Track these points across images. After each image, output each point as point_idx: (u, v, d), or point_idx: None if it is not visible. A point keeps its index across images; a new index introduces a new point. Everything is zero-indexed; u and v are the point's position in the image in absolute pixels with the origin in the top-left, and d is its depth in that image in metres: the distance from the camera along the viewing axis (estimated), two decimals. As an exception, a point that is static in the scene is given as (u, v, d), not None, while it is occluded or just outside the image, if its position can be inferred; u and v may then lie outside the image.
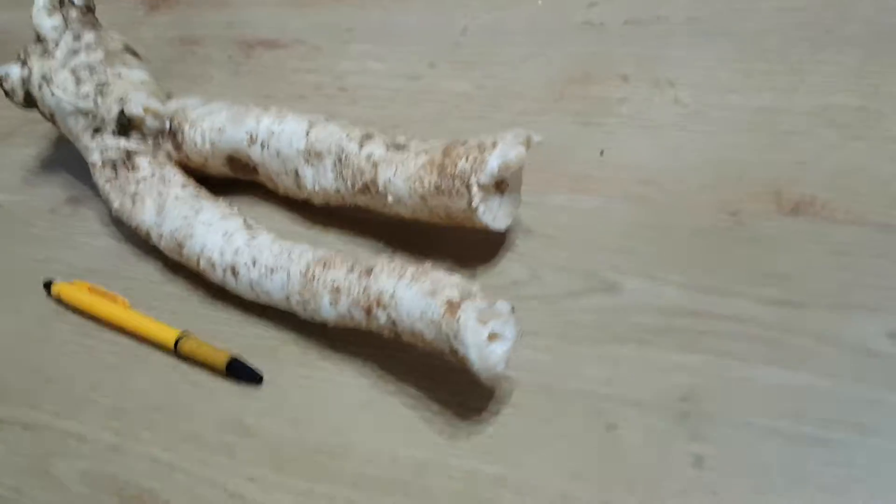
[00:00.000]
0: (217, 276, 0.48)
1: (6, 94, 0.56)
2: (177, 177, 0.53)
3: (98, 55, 0.55)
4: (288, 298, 0.45)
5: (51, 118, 0.56)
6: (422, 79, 0.59)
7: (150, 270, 0.54)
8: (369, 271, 0.41)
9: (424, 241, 0.49)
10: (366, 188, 0.46)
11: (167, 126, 0.53)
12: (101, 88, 0.53)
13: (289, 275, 0.44)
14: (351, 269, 0.42)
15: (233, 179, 0.55)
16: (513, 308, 0.38)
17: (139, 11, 0.75)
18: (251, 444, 0.44)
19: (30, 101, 0.56)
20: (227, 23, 0.70)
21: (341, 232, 0.52)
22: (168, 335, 0.48)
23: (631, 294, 0.43)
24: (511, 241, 0.48)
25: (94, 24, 0.57)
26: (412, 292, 0.39)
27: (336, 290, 0.42)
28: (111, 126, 0.53)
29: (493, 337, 0.38)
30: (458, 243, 0.48)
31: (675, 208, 0.46)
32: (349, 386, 0.44)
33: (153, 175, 0.52)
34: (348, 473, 0.41)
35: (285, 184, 0.51)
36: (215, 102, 0.54)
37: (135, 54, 0.57)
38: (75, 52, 0.55)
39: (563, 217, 0.48)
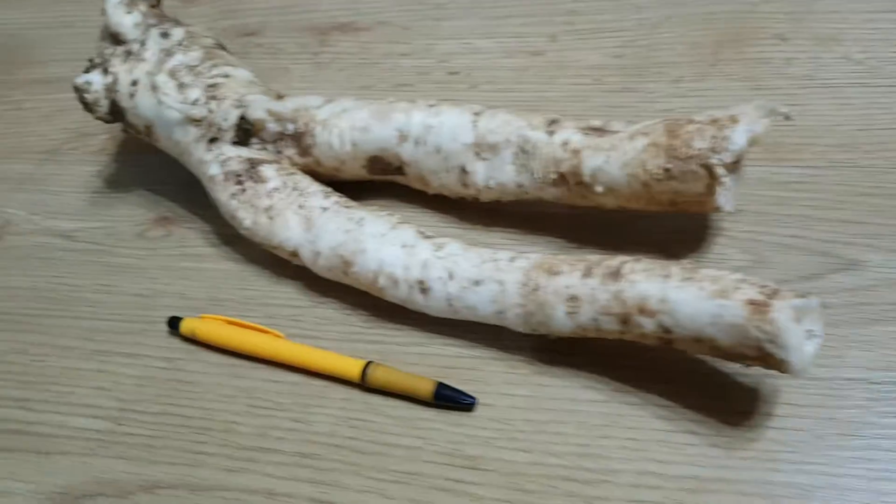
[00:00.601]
0: (399, 294, 0.43)
1: (86, 106, 0.48)
2: (313, 186, 0.47)
3: (196, 54, 0.48)
4: (501, 312, 0.40)
5: (144, 131, 0.49)
6: (544, 54, 0.54)
7: (289, 294, 0.48)
8: (615, 275, 0.37)
9: (611, 233, 0.45)
10: (561, 179, 0.42)
11: (289, 129, 0.47)
12: (212, 92, 0.47)
13: (502, 286, 0.40)
14: (587, 274, 0.38)
15: (361, 182, 0.49)
16: (821, 303, 0.35)
17: (172, 2, 0.67)
18: (485, 477, 0.39)
19: (116, 113, 0.49)
20: (280, 8, 0.63)
21: (508, 230, 0.47)
22: (350, 365, 0.43)
23: (877, 270, 0.41)
24: (715, 222, 0.45)
25: (174, 19, 0.50)
26: (689, 295, 0.35)
27: (573, 299, 0.38)
28: (229, 134, 0.47)
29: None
30: (654, 231, 0.45)
31: (889, 172, 0.44)
32: (582, 401, 0.40)
33: (285, 185, 0.46)
34: (619, 502, 0.37)
35: (444, 182, 0.46)
36: (342, 100, 0.48)
37: (226, 50, 0.50)
38: (169, 52, 0.48)
39: (768, 191, 0.45)
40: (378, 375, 0.42)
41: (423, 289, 0.42)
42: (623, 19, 0.55)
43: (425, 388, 0.41)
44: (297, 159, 0.48)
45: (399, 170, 0.47)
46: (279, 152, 0.48)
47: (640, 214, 0.44)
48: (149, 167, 0.56)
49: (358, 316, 0.46)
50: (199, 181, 0.50)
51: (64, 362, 0.48)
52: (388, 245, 0.43)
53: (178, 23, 0.49)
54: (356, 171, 0.48)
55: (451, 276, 0.41)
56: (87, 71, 0.49)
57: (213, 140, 0.47)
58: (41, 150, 0.59)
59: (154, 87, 0.46)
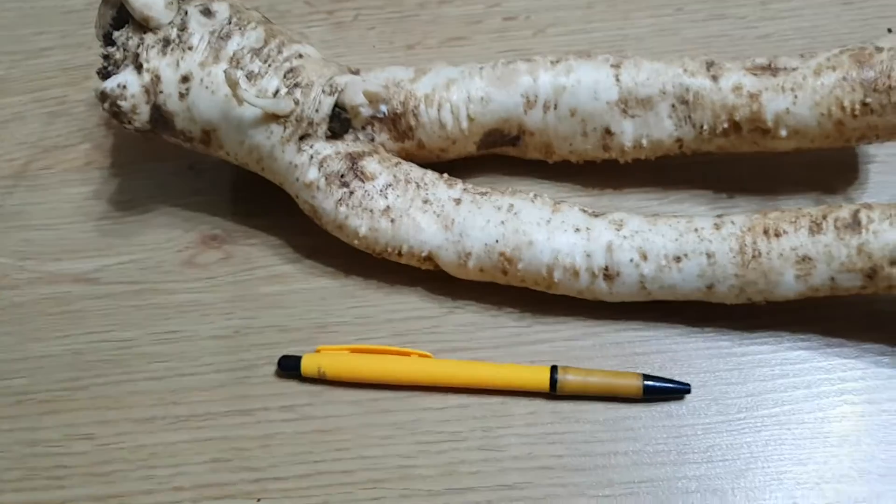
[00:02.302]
0: (578, 285, 0.38)
1: (119, 116, 0.38)
2: (427, 174, 0.40)
3: (256, 33, 0.39)
4: (711, 286, 0.37)
5: (199, 138, 0.39)
6: (608, -15, 0.50)
7: (412, 304, 0.42)
8: (852, 226, 0.35)
9: (761, 176, 0.43)
10: (734, 128, 0.39)
11: (382, 111, 0.40)
12: (293, 79, 0.38)
13: (711, 258, 0.36)
14: (816, 229, 0.35)
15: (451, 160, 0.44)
16: None
17: None
18: (726, 468, 0.36)
19: (159, 121, 0.39)
20: None
21: (643, 190, 0.43)
22: (533, 374, 0.38)
23: None
24: (866, 153, 0.43)
25: (201, -11, 0.41)
26: (950, 236, 0.33)
27: (804, 260, 0.35)
28: (322, 128, 0.39)
29: None
30: (803, 167, 0.43)
31: None
32: (793, 362, 0.38)
33: (397, 179, 0.39)
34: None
35: (577, 147, 0.41)
36: (438, 67, 0.41)
37: (269, 19, 0.42)
38: (222, 34, 0.38)
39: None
40: (571, 380, 0.38)
41: (609, 275, 0.37)
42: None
43: (631, 383, 0.38)
44: (392, 145, 0.42)
45: (514, 140, 0.42)
46: (372, 140, 0.41)
47: (764, 155, 0.42)
48: (165, 177, 0.46)
49: (508, 315, 0.41)
50: (257, 187, 0.43)
51: (149, 438, 0.39)
52: (558, 232, 0.38)
53: (211, -5, 0.40)
54: (466, 148, 0.42)
55: (644, 257, 0.37)
56: (106, 71, 0.39)
57: (303, 137, 0.39)
58: (1, 176, 0.47)
59: (217, 82, 0.37)
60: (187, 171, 0.46)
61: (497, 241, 0.38)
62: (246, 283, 0.43)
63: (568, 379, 0.38)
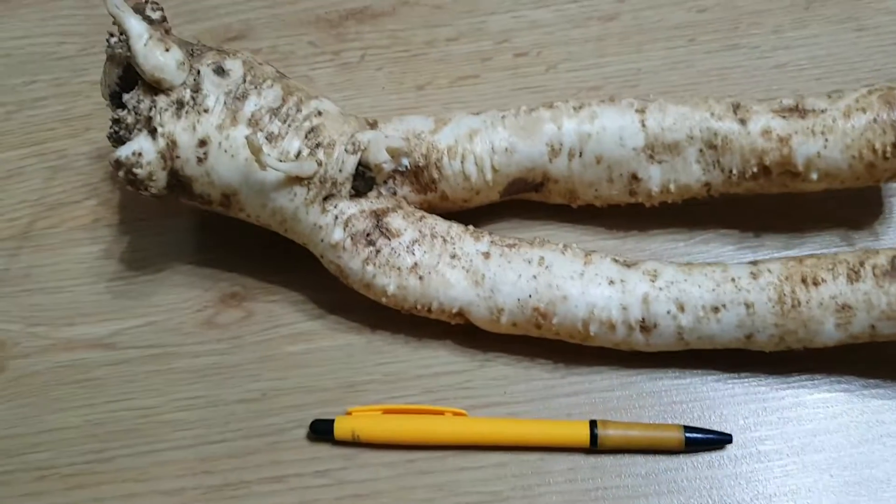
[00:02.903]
0: (614, 338, 0.38)
1: (135, 184, 0.37)
2: (453, 227, 0.40)
3: (273, 91, 0.38)
4: (750, 336, 0.37)
5: (218, 201, 0.38)
6: (618, 17, 0.49)
7: (442, 358, 0.41)
8: (890, 273, 0.35)
9: (788, 215, 0.43)
10: (763, 171, 0.38)
11: (403, 165, 0.40)
12: (315, 139, 0.38)
13: (750, 308, 0.36)
14: (855, 277, 0.35)
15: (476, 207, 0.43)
16: None
17: (101, 8, 0.52)
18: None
19: (177, 186, 0.38)
20: (248, 0, 0.53)
21: (669, 231, 0.43)
22: (573, 429, 0.38)
23: None
24: (890, 186, 0.43)
25: (209, 46, 0.40)
26: None
27: (844, 309, 0.35)
28: (346, 187, 0.38)
29: None
30: (830, 205, 0.42)
31: None
32: (864, 411, 0.38)
33: (422, 234, 0.39)
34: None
35: (603, 193, 0.41)
36: (458, 117, 0.41)
37: (283, 75, 0.41)
38: (241, 95, 0.37)
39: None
40: (612, 434, 0.38)
41: (646, 327, 0.37)
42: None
43: (673, 436, 0.37)
44: (414, 197, 0.41)
45: (537, 187, 0.41)
46: (394, 194, 0.40)
47: (790, 195, 0.42)
48: (178, 233, 0.45)
49: (540, 367, 0.41)
50: (282, 247, 0.42)
51: (181, 510, 0.39)
52: (592, 285, 0.37)
53: (220, 51, 0.39)
54: (489, 197, 0.41)
55: (681, 308, 0.37)
56: (118, 135, 0.38)
57: (327, 198, 0.38)
58: (3, 237, 0.46)
59: (237, 146, 0.37)
60: (202, 226, 0.45)
61: (530, 296, 0.38)
62: (270, 342, 0.42)
63: (609, 434, 0.38)
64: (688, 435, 0.37)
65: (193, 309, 0.43)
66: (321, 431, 0.39)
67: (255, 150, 0.35)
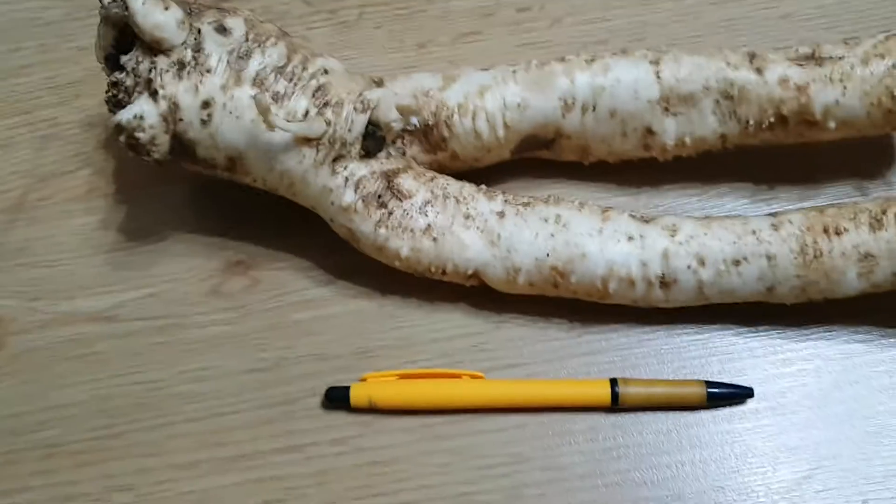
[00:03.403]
0: (633, 294, 0.37)
1: (137, 148, 0.36)
2: (465, 186, 0.39)
3: (277, 49, 0.37)
4: (771, 288, 0.36)
5: (223, 165, 0.37)
6: (622, -31, 0.48)
7: (456, 321, 0.40)
8: (914, 220, 0.34)
9: (802, 165, 0.42)
10: (780, 121, 0.38)
11: (412, 124, 0.39)
12: (322, 97, 0.36)
13: (772, 260, 0.36)
14: (878, 225, 0.35)
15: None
16: None
17: None
18: (793, 468, 0.37)
19: (178, 150, 0.37)
20: None
21: (683, 185, 0.42)
22: (593, 388, 0.37)
23: None
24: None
25: (209, 4, 0.38)
26: None
27: (867, 258, 0.35)
28: (356, 147, 0.37)
29: None
30: (842, 154, 0.42)
31: None
32: (860, 355, 0.38)
33: (434, 195, 0.38)
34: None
35: (616, 148, 0.40)
36: (467, 73, 0.39)
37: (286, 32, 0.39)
38: (241, 53, 0.36)
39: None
40: (633, 392, 0.37)
41: (666, 283, 0.37)
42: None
43: (694, 391, 0.37)
44: (423, 157, 0.40)
45: (549, 143, 0.41)
46: (403, 154, 0.39)
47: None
48: (177, 201, 0.44)
49: (557, 327, 0.40)
50: (283, 211, 0.41)
51: (195, 484, 0.38)
52: (611, 242, 0.37)
53: (219, 9, 0.38)
54: (501, 156, 0.41)
55: (701, 263, 0.36)
56: (117, 99, 0.36)
57: (336, 159, 0.37)
58: (-4, 209, 0.45)
59: (242, 107, 0.35)
60: (201, 193, 0.44)
61: (548, 255, 0.37)
62: (278, 310, 0.41)
63: (630, 391, 0.37)
64: (709, 390, 0.37)
65: (197, 278, 0.42)
66: (336, 399, 0.38)
67: (264, 110, 0.34)
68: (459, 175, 0.41)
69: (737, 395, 0.37)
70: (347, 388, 0.38)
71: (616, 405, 0.37)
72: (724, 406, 0.38)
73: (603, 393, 0.37)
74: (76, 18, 0.49)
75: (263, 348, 0.41)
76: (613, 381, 0.37)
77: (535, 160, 0.43)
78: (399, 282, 0.41)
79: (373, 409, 0.38)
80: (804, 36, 0.46)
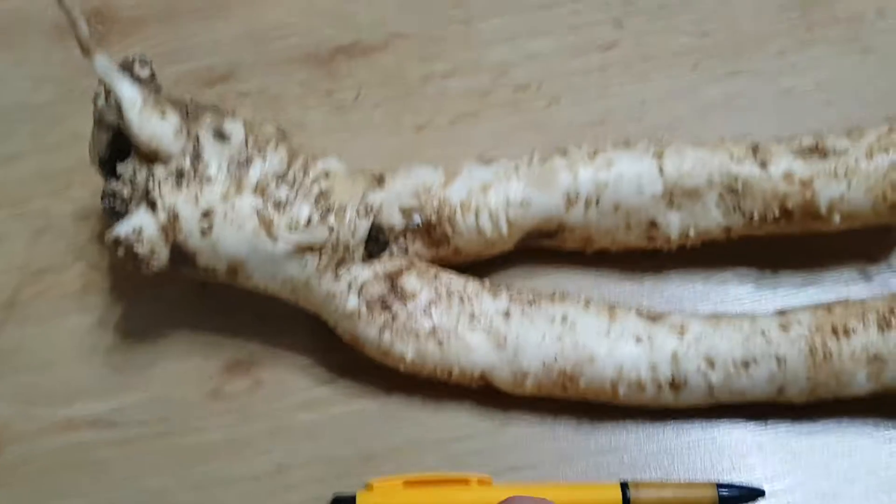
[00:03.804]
0: (643, 397, 0.37)
1: (136, 262, 0.35)
2: (469, 283, 0.38)
3: (278, 155, 0.36)
4: (781, 389, 0.36)
5: (225, 273, 0.37)
6: (617, 45, 0.48)
7: (460, 421, 0.40)
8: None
9: (806, 251, 0.42)
10: (785, 214, 0.38)
11: (415, 222, 0.38)
12: (325, 203, 0.36)
13: (781, 362, 0.35)
14: (886, 325, 0.35)
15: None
16: None
17: (76, 50, 0.49)
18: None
19: (179, 260, 0.36)
20: (247, 36, 0.49)
21: (686, 271, 0.42)
22: (604, 493, 0.37)
23: None
24: None
25: (205, 105, 0.38)
26: None
27: (876, 359, 0.35)
28: (359, 251, 0.37)
29: None
30: (846, 241, 0.41)
31: None
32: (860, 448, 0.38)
33: (438, 294, 0.38)
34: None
35: (621, 239, 0.40)
36: (469, 168, 0.39)
37: (284, 131, 0.39)
38: (245, 161, 0.36)
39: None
40: (645, 495, 0.37)
41: (676, 385, 0.36)
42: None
43: (706, 494, 0.37)
44: (425, 252, 0.40)
45: (552, 234, 0.40)
46: (405, 251, 0.39)
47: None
48: (175, 299, 0.43)
49: (564, 425, 0.40)
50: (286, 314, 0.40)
51: None
52: (619, 344, 0.37)
53: (216, 110, 0.37)
54: (504, 249, 0.40)
55: (711, 365, 0.36)
56: (113, 209, 0.36)
57: (339, 263, 0.36)
58: (-12, 307, 0.44)
59: (243, 216, 0.35)
60: (199, 292, 0.43)
61: (556, 358, 0.37)
62: (281, 412, 0.40)
63: (641, 495, 0.37)
64: (721, 492, 0.37)
65: (198, 380, 0.41)
66: None
67: (267, 225, 0.34)
68: (462, 267, 0.41)
69: (748, 496, 0.37)
70: (353, 496, 0.38)
71: (628, 507, 0.37)
72: (737, 506, 0.38)
73: (614, 497, 0.37)
74: (68, 101, 0.48)
75: (267, 452, 0.40)
76: (624, 485, 0.37)
77: (536, 248, 0.43)
78: (402, 380, 0.40)
79: (353, 507, 0.38)
80: (804, 113, 0.45)
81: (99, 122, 0.38)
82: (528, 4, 0.49)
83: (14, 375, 0.42)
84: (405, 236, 0.39)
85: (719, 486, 0.37)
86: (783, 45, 0.47)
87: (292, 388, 0.41)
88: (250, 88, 0.48)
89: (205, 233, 0.36)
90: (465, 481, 0.38)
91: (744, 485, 0.37)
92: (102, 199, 0.37)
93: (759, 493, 0.37)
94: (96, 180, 0.45)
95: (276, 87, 0.48)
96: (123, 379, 0.42)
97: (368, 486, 0.38)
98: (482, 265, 0.42)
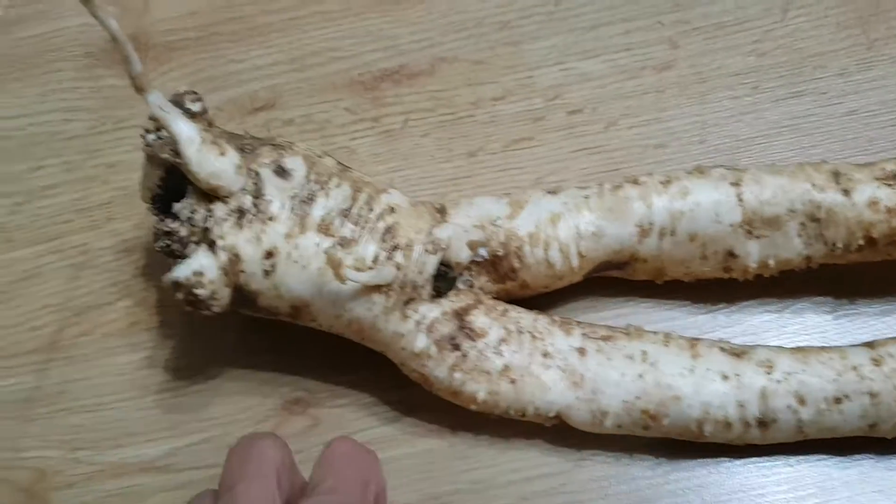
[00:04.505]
0: (730, 435, 0.35)
1: (195, 305, 0.34)
2: (539, 320, 0.37)
3: (342, 190, 0.35)
4: (874, 425, 0.35)
5: (288, 313, 0.35)
6: (674, 66, 0.46)
7: (534, 460, 0.38)
8: None
9: (876, 276, 0.40)
10: (870, 243, 0.36)
11: (481, 255, 0.37)
12: (391, 240, 0.34)
13: (875, 398, 0.34)
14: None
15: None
16: None
17: (115, 81, 0.48)
18: None
19: (240, 301, 0.35)
20: (289, 63, 0.47)
21: (760, 300, 0.41)
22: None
23: None
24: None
25: (261, 139, 0.36)
26: None
27: (977, 391, 0.33)
28: (426, 289, 0.35)
29: None
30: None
31: None
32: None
33: (509, 332, 0.36)
34: None
35: (696, 270, 0.38)
36: (534, 198, 0.38)
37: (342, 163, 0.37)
38: (308, 199, 0.34)
39: None
40: (730, 539, 0.35)
41: (764, 422, 0.35)
42: (742, 6, 0.48)
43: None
44: (490, 287, 0.38)
45: (622, 265, 0.39)
46: (471, 286, 0.37)
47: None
48: (228, 335, 0.41)
49: (642, 464, 0.38)
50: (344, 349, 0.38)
51: None
52: (705, 382, 0.35)
53: (274, 145, 0.35)
54: (572, 281, 0.39)
55: (801, 402, 0.35)
56: (169, 249, 0.34)
57: (407, 302, 0.35)
58: (28, 350, 0.42)
59: (308, 255, 0.33)
60: (252, 326, 0.41)
61: (638, 397, 0.35)
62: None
63: None
64: None
65: (255, 420, 0.40)
66: None
67: (336, 265, 0.32)
68: (525, 300, 0.39)
69: None
70: None
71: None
72: (814, 549, 0.36)
73: None
74: (101, 132, 0.47)
75: (333, 495, 0.39)
76: None
77: (603, 278, 0.41)
78: (469, 418, 0.39)
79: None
80: (870, 134, 0.44)
81: (150, 158, 0.37)
82: (577, 26, 0.48)
83: (60, 419, 0.40)
84: (470, 271, 0.37)
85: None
86: (844, 65, 0.46)
87: (353, 427, 0.39)
88: (294, 116, 0.47)
89: (268, 273, 0.34)
90: (542, 528, 0.37)
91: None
92: (156, 239, 0.36)
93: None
94: (137, 213, 0.45)
95: (322, 114, 0.47)
96: (176, 420, 0.40)
97: (437, 533, 0.37)
98: (545, 298, 0.41)
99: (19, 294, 0.43)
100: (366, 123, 0.47)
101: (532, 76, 0.47)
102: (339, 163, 0.37)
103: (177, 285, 0.34)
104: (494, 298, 0.38)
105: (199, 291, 0.33)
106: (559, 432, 0.38)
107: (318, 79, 0.48)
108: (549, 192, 0.38)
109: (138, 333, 0.42)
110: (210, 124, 0.37)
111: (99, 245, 0.44)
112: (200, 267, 0.33)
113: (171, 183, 0.37)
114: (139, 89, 0.32)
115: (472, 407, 0.36)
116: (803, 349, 0.36)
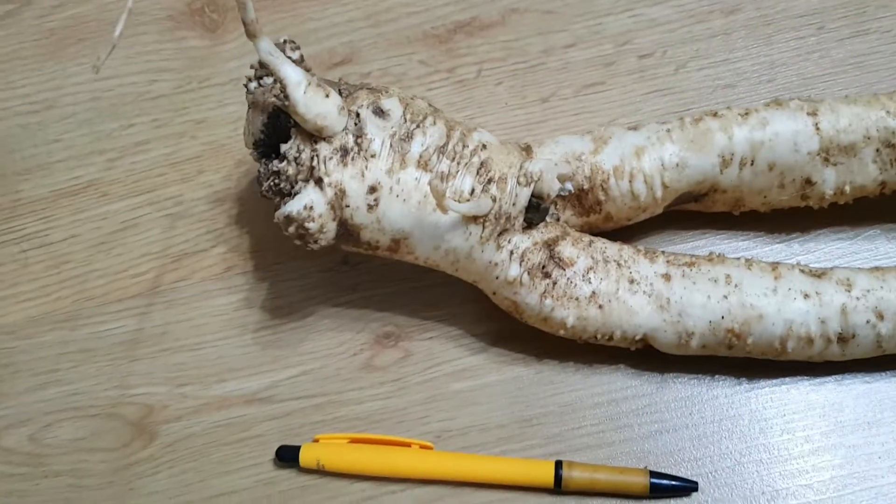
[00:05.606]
0: (811, 351, 0.37)
1: (304, 238, 0.36)
2: (624, 249, 0.39)
3: (437, 128, 0.37)
4: (954, 338, 0.36)
5: (387, 246, 0.37)
6: (741, 9, 0.47)
7: (618, 382, 0.40)
8: None
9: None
10: (945, 168, 0.38)
11: (567, 189, 0.39)
12: (486, 174, 0.36)
13: (955, 309, 0.36)
14: None
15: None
16: None
17: (195, 42, 0.51)
18: None
19: (344, 235, 0.37)
20: (364, 19, 0.49)
21: (832, 229, 0.42)
22: (540, 470, 0.38)
23: None
24: None
25: (356, 84, 0.38)
26: None
27: None
28: (518, 221, 0.37)
29: None
30: None
31: None
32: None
33: (595, 261, 0.38)
34: None
35: (774, 199, 0.40)
36: (616, 134, 0.39)
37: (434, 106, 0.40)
38: (406, 136, 0.36)
39: None
40: (577, 476, 0.38)
41: (844, 338, 0.37)
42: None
43: (637, 481, 0.37)
44: (575, 221, 0.40)
45: (701, 197, 0.41)
46: (557, 220, 0.39)
47: None
48: (318, 275, 0.44)
49: (723, 383, 0.40)
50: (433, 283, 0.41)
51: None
52: (787, 301, 0.37)
53: (370, 90, 0.38)
54: (654, 213, 0.41)
55: (880, 317, 0.36)
56: (278, 188, 0.37)
57: (501, 233, 0.37)
58: (131, 295, 0.45)
59: (409, 189, 0.35)
60: (342, 266, 0.44)
61: (723, 317, 0.37)
62: (434, 381, 0.41)
63: (573, 475, 0.38)
64: (653, 481, 0.37)
65: (349, 353, 0.42)
66: (287, 458, 0.39)
67: (439, 196, 0.34)
68: (606, 234, 0.41)
69: (680, 487, 0.38)
70: (298, 447, 0.39)
71: (559, 489, 0.38)
72: (667, 498, 0.38)
73: (547, 475, 0.38)
74: (186, 90, 0.49)
75: (424, 421, 0.41)
76: (558, 464, 0.38)
77: (679, 211, 0.43)
78: (553, 346, 0.41)
79: (322, 471, 0.39)
80: (937, 69, 0.46)
81: (253, 104, 0.39)
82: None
83: (164, 357, 0.43)
84: (556, 205, 0.39)
85: (652, 474, 0.38)
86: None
87: (443, 358, 0.42)
88: (372, 70, 0.49)
89: (371, 207, 0.36)
90: (406, 444, 0.39)
91: (677, 477, 0.38)
92: (263, 179, 0.38)
93: (693, 487, 0.38)
94: (226, 166, 0.47)
95: (398, 67, 0.49)
96: (275, 355, 0.43)
97: (315, 440, 0.40)
98: (624, 232, 0.42)
99: (120, 243, 0.46)
100: (441, 74, 0.49)
101: (602, 23, 0.49)
102: (430, 104, 0.39)
103: (288, 220, 0.36)
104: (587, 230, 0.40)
105: (309, 225, 0.36)
106: (641, 357, 0.41)
107: (393, 33, 0.50)
108: (630, 129, 0.40)
109: (234, 277, 0.45)
110: (309, 70, 0.39)
111: (192, 196, 0.47)
112: (310, 201, 0.36)
113: (271, 130, 0.39)
114: (251, 35, 0.35)
115: (561, 332, 0.39)
116: (880, 268, 0.38)
